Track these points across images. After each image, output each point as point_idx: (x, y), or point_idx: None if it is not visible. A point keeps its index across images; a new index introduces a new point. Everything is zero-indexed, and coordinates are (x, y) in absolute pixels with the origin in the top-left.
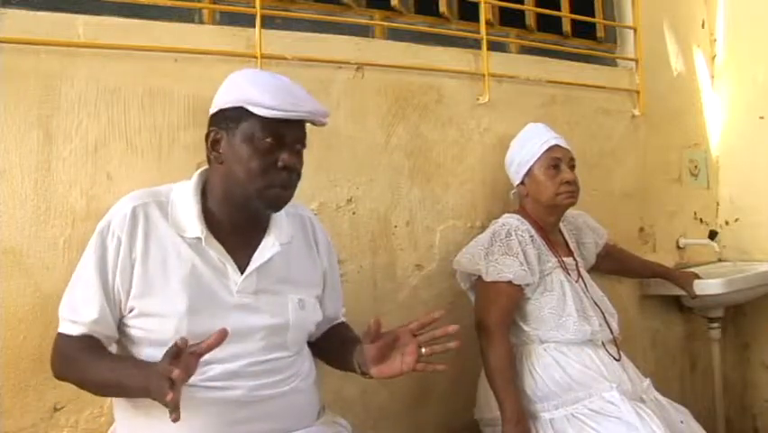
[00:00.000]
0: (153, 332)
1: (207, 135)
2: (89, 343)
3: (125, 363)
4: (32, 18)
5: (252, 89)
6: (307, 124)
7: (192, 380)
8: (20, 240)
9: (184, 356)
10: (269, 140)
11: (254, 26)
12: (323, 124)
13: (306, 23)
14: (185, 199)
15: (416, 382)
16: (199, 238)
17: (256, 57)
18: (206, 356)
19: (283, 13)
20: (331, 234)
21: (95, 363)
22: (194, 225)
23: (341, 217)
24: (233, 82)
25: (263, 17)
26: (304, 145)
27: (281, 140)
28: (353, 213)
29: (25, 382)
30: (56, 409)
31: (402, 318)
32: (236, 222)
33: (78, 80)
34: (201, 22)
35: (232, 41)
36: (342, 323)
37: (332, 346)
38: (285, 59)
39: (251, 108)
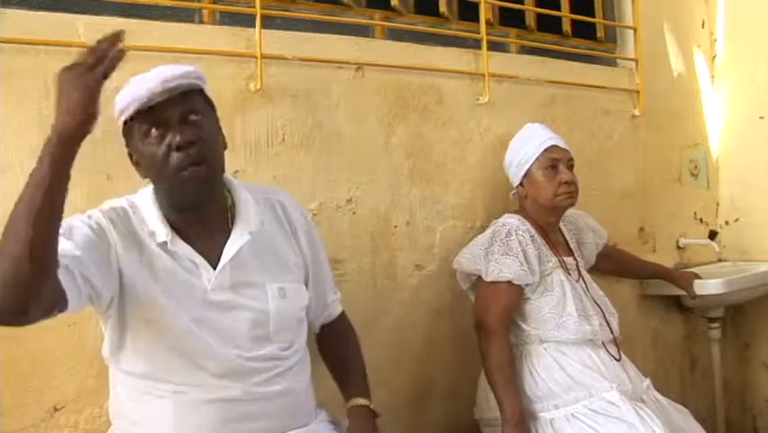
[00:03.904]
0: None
1: (130, 157)
2: None
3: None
4: (31, 18)
5: (118, 100)
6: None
7: (184, 383)
8: None
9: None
10: (154, 130)
11: (254, 26)
12: (198, 87)
13: (306, 23)
14: (147, 206)
15: (416, 382)
16: (165, 242)
17: (256, 57)
18: (196, 362)
19: (283, 13)
20: (331, 234)
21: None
22: (159, 230)
23: (341, 217)
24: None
25: (263, 17)
26: (196, 113)
27: (166, 123)
28: (353, 213)
29: (25, 382)
30: (56, 409)
31: (402, 318)
32: (190, 220)
33: None
34: (201, 22)
35: (232, 41)
36: (339, 322)
37: (332, 370)
38: (285, 59)
39: (123, 116)
